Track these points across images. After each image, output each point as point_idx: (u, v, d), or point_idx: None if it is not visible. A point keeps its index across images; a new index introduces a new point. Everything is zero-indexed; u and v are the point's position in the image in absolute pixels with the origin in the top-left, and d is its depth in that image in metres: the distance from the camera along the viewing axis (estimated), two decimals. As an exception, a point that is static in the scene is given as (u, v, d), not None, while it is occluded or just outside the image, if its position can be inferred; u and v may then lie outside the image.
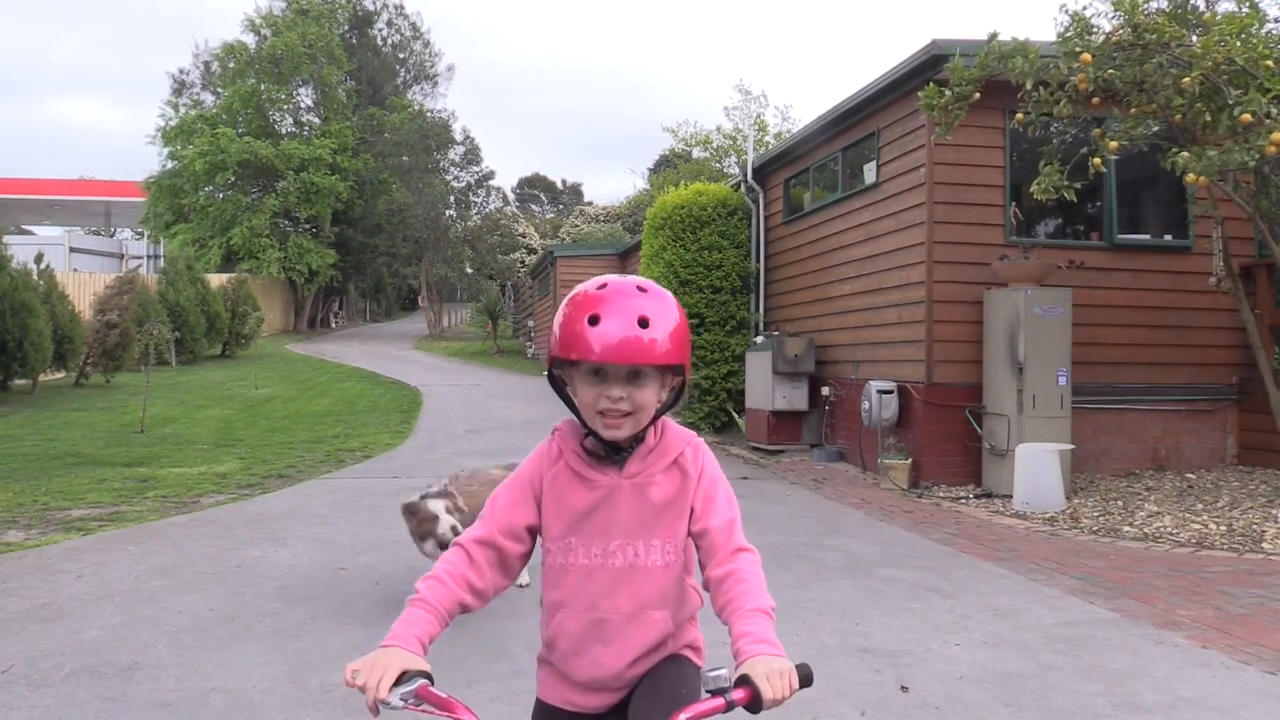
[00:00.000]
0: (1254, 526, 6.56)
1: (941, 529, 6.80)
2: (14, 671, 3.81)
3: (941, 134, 7.55)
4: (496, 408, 15.10)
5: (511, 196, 59.82)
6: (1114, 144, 6.81)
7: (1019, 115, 7.17)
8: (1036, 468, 7.39)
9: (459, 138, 41.41)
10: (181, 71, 38.34)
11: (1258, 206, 7.21)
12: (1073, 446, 7.93)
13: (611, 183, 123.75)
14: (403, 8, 49.29)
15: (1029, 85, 6.86)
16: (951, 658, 4.02)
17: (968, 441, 8.51)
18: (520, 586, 4.52)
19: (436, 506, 4.45)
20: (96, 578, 5.26)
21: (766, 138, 28.41)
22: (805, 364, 10.65)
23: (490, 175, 43.85)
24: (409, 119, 38.28)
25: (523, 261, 38.23)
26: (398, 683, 1.40)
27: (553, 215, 56.64)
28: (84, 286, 21.16)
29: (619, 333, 1.51)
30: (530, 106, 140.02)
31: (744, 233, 12.76)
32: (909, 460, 8.60)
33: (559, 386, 1.67)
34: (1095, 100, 6.88)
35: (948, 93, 7.25)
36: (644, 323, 1.52)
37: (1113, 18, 6.75)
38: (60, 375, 16.39)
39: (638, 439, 1.65)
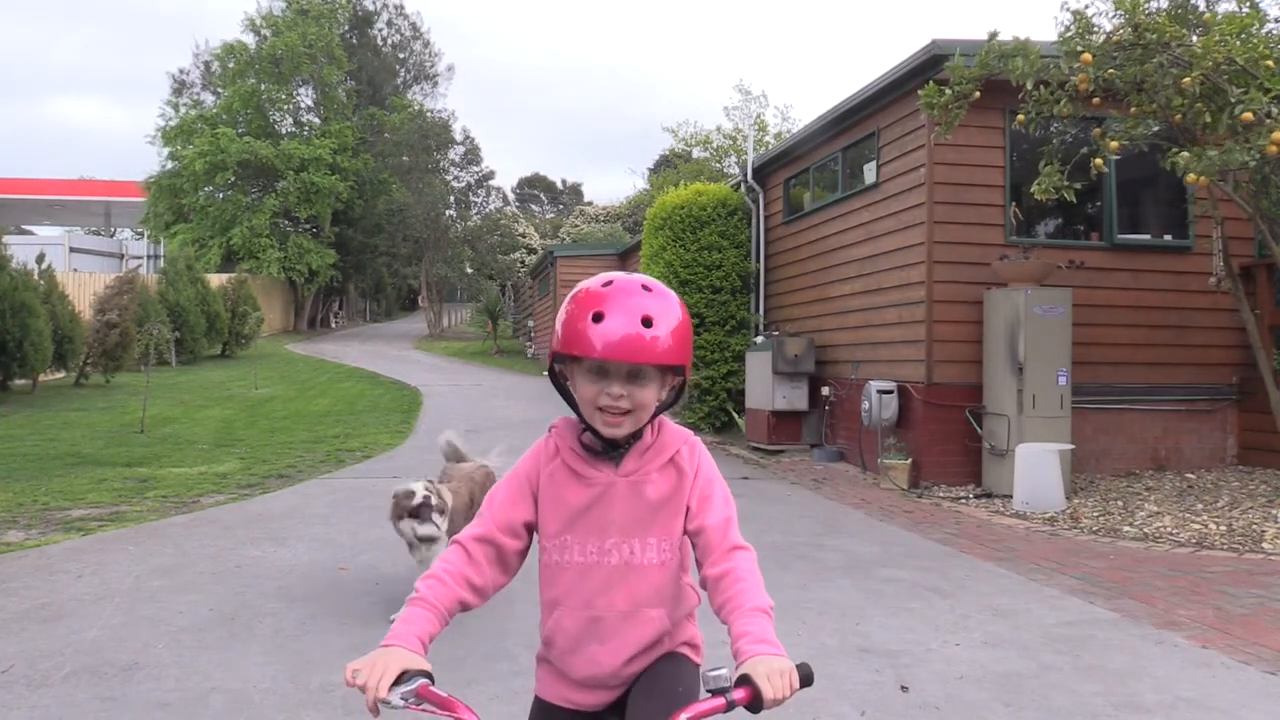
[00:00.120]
0: (1254, 526, 6.56)
1: (941, 529, 6.80)
2: (14, 671, 3.81)
3: (942, 134, 7.55)
4: (496, 408, 15.10)
5: (511, 196, 59.89)
6: (1115, 144, 6.82)
7: (1020, 116, 7.17)
8: (1036, 468, 7.39)
9: (459, 138, 41.43)
10: (181, 71, 38.40)
11: (1258, 206, 7.21)
12: (1073, 446, 7.93)
13: (611, 183, 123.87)
14: (403, 8, 49.35)
15: (1029, 85, 6.86)
16: (951, 658, 4.02)
17: (968, 441, 8.51)
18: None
19: (415, 485, 4.46)
20: (96, 578, 5.26)
21: (766, 138, 28.41)
22: (805, 364, 10.65)
23: (490, 175, 43.90)
24: (409, 119, 38.28)
25: (523, 261, 38.24)
26: (398, 682, 1.40)
27: (553, 215, 56.65)
28: (84, 286, 21.16)
29: (622, 331, 1.51)
30: (530, 106, 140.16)
31: (744, 233, 12.76)
32: (909, 460, 8.60)
33: (560, 383, 1.67)
34: (1095, 100, 6.88)
35: (948, 91, 7.25)
36: (648, 322, 1.52)
37: (1113, 17, 6.75)
38: (60, 375, 16.39)
39: (635, 436, 1.65)
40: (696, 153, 32.47)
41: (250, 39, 35.88)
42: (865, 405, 9.00)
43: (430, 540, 4.41)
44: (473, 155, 42.02)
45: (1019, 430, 7.85)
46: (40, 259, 15.46)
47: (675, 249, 12.51)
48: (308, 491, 8.11)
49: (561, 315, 1.57)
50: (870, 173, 9.79)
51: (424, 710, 1.41)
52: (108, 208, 38.66)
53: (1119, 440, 8.89)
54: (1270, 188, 7.09)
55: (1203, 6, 6.85)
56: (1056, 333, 7.92)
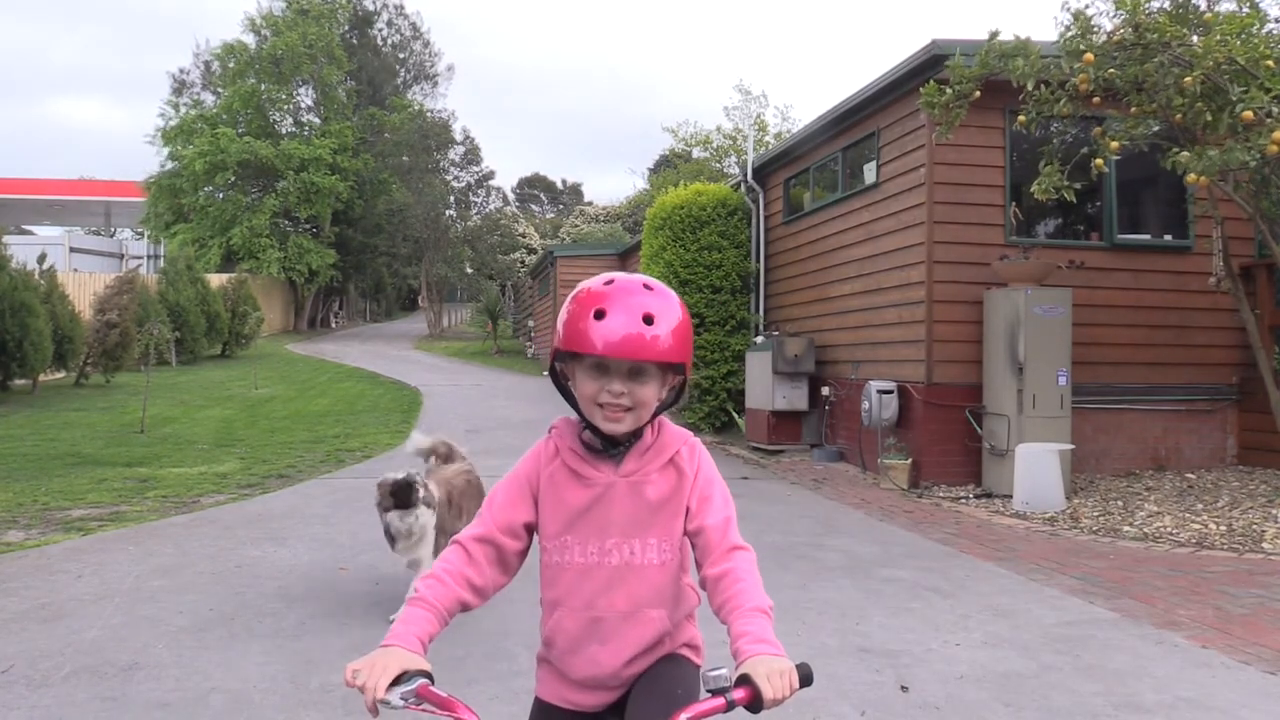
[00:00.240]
0: (1254, 526, 6.56)
1: (941, 529, 6.80)
2: (14, 671, 3.81)
3: (942, 134, 7.55)
4: (496, 408, 15.10)
5: (511, 196, 59.89)
6: (1115, 144, 6.81)
7: (1021, 117, 7.17)
8: (1036, 468, 7.39)
9: (459, 138, 41.46)
10: (182, 71, 38.33)
11: (1258, 206, 7.21)
12: (1073, 446, 7.93)
13: (611, 183, 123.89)
14: (403, 8, 49.34)
15: (1030, 85, 6.86)
16: (951, 658, 4.02)
17: (968, 441, 8.51)
18: None
19: (402, 475, 4.43)
20: (96, 578, 5.26)
21: (766, 138, 28.41)
22: (805, 364, 10.65)
23: (490, 175, 43.93)
24: (409, 119, 38.28)
25: (523, 261, 38.24)
26: (397, 682, 1.40)
27: (553, 215, 56.65)
28: (84, 286, 21.17)
29: (623, 328, 1.52)
30: (530, 106, 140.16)
31: (744, 233, 12.76)
32: (909, 460, 8.60)
33: (561, 383, 1.68)
34: (1095, 100, 6.88)
35: (948, 91, 7.25)
36: (649, 319, 1.53)
37: (1114, 17, 6.75)
38: (60, 375, 16.38)
39: (635, 436, 1.65)
40: (696, 153, 32.48)
41: (250, 39, 35.91)
42: (865, 405, 9.00)
43: (409, 534, 4.35)
44: (473, 155, 42.06)
45: (1019, 430, 7.85)
46: (41, 259, 15.47)
47: (675, 249, 12.51)
48: (308, 491, 8.11)
49: (563, 314, 1.58)
50: (870, 173, 9.79)
51: (424, 710, 1.41)
52: (108, 208, 38.67)
53: (1119, 440, 8.89)
54: (1270, 187, 7.08)
55: (1203, 6, 6.85)
56: (1056, 333, 7.92)
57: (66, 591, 4.98)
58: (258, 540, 6.23)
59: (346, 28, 40.92)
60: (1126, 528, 6.70)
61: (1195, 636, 4.28)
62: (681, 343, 1.57)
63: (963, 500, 7.97)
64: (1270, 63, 6.07)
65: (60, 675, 3.77)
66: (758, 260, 12.69)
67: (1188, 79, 6.19)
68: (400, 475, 4.35)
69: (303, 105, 37.76)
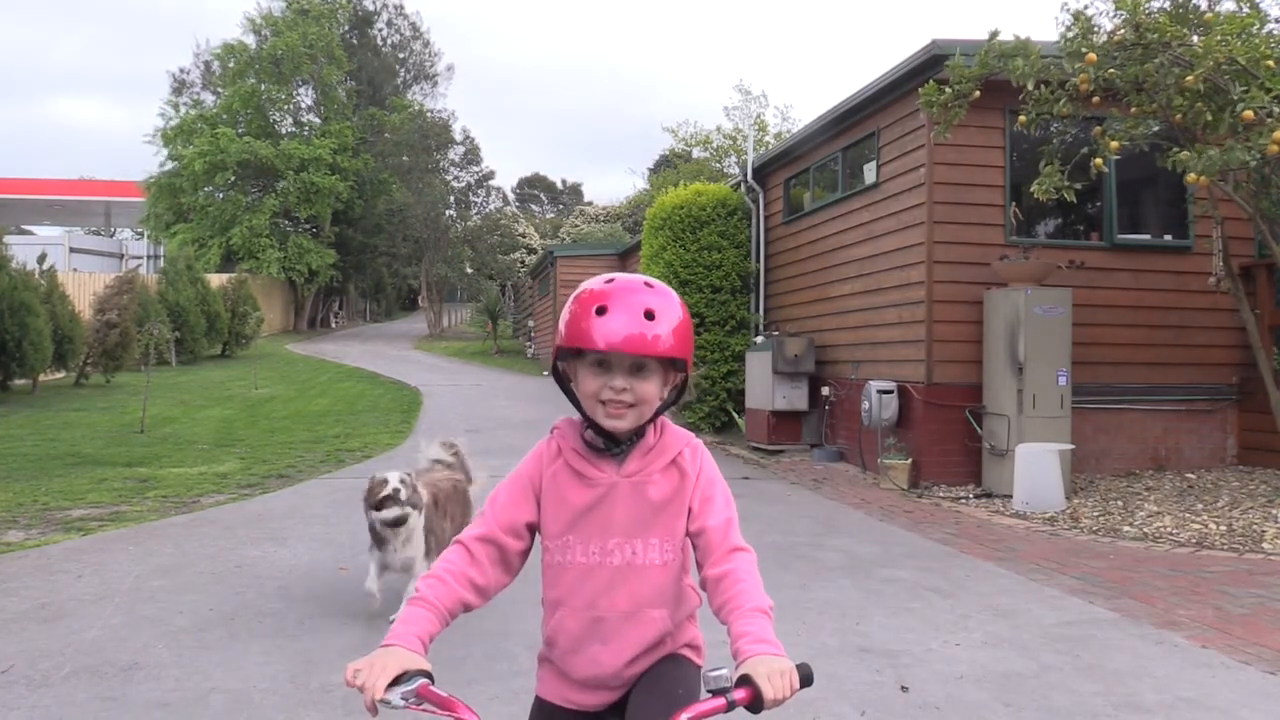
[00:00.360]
0: (1254, 526, 6.56)
1: (941, 529, 6.80)
2: (14, 671, 3.81)
3: (941, 133, 7.55)
4: (496, 407, 15.10)
5: (511, 196, 59.90)
6: (1115, 144, 6.81)
7: (1021, 118, 7.17)
8: (1036, 468, 7.39)
9: (459, 138, 41.49)
10: (182, 71, 38.38)
11: (1258, 206, 7.21)
12: (1073, 446, 7.93)
13: (611, 183, 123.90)
14: (403, 8, 49.35)
15: (1030, 86, 6.86)
16: (951, 658, 4.02)
17: (968, 441, 8.51)
18: None
19: (390, 475, 4.44)
20: (96, 578, 5.26)
21: (766, 138, 28.41)
22: (805, 364, 10.65)
23: (490, 175, 43.98)
24: (409, 119, 38.29)
25: (523, 261, 38.24)
26: (397, 681, 1.40)
27: (553, 215, 56.65)
28: (84, 286, 21.16)
29: (624, 324, 1.53)
30: (530, 106, 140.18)
31: (744, 233, 12.76)
32: (909, 460, 8.60)
33: (563, 382, 1.68)
34: (1095, 100, 6.88)
35: (948, 90, 7.25)
36: (650, 315, 1.54)
37: (1114, 17, 6.75)
38: (60, 375, 16.39)
39: (637, 435, 1.66)
40: (696, 153, 32.48)
41: (250, 39, 35.92)
42: (865, 405, 9.00)
43: (398, 523, 4.35)
44: (473, 155, 42.09)
45: (1019, 430, 7.85)
46: (41, 259, 15.47)
47: (675, 249, 12.51)
48: (308, 491, 8.11)
49: (565, 313, 1.59)
50: (870, 173, 9.79)
51: (424, 710, 1.41)
52: (108, 208, 38.66)
53: (1119, 440, 8.89)
54: (1270, 187, 7.08)
55: (1204, 6, 6.85)
56: (1056, 333, 7.92)
57: (66, 591, 4.98)
58: (258, 540, 6.23)
59: (346, 28, 40.93)
60: (1126, 528, 6.70)
61: (1195, 636, 4.28)
62: (682, 339, 1.58)
63: (963, 500, 7.97)
64: (1271, 62, 6.07)
65: (60, 675, 3.77)
66: (758, 260, 12.69)
67: (1188, 79, 6.18)
68: (389, 489, 4.35)
69: (303, 105, 37.80)
